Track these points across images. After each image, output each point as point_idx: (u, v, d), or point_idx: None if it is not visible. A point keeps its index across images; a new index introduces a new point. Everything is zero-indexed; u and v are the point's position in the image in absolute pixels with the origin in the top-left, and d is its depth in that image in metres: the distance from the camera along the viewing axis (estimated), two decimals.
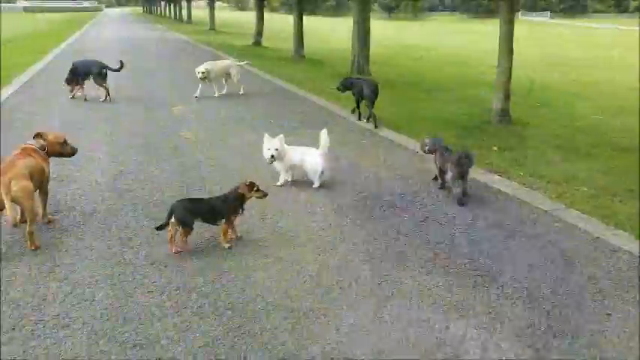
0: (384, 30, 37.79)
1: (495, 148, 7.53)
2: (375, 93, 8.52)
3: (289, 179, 5.58)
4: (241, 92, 10.97)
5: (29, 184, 3.86)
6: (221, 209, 4.10)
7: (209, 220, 4.13)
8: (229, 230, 4.15)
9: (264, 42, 26.08)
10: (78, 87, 9.72)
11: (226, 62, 10.91)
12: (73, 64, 9.76)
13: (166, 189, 5.32)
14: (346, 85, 9.04)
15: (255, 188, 4.21)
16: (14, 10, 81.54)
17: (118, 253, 3.91)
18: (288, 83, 13.21)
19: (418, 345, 3.01)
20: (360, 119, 8.98)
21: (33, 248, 3.88)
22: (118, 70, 10.05)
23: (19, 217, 4.18)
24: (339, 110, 9.88)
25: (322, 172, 5.51)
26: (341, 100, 10.97)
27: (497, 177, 6.18)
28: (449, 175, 5.42)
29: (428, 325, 3.19)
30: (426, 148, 5.86)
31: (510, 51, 9.65)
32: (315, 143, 5.66)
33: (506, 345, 3.04)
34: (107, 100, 9.75)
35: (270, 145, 5.35)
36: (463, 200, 5.23)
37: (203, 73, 10.00)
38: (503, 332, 3.15)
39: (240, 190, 4.15)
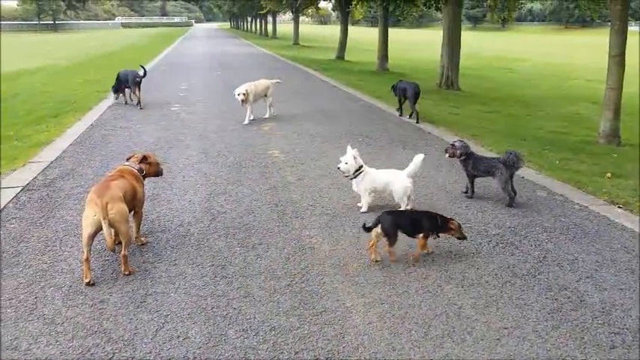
0: (470, 41, 36.55)
1: (609, 175, 6.77)
2: (416, 92, 9.88)
3: (366, 204, 5.23)
4: (270, 114, 10.01)
5: (125, 207, 3.78)
6: (425, 225, 4.19)
7: (408, 232, 4.24)
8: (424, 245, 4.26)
9: (347, 55, 26.01)
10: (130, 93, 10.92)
11: (265, 82, 9.96)
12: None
13: (257, 210, 5.14)
14: (394, 89, 10.44)
15: (461, 229, 4.27)
16: (114, 26, 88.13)
17: (211, 283, 3.72)
18: (373, 99, 12.89)
19: None
20: (401, 115, 10.49)
21: (127, 273, 3.79)
22: (144, 76, 10.73)
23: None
24: (430, 128, 9.40)
25: (409, 197, 5.16)
26: (432, 116, 10.52)
27: (619, 210, 5.48)
28: (498, 179, 5.43)
29: None
30: (458, 152, 5.66)
31: (621, 65, 8.75)
32: (403, 163, 5.30)
33: None
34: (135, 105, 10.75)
35: (344, 158, 5.21)
36: (514, 202, 5.44)
37: (244, 94, 9.11)
38: None
39: (450, 225, 4.22)
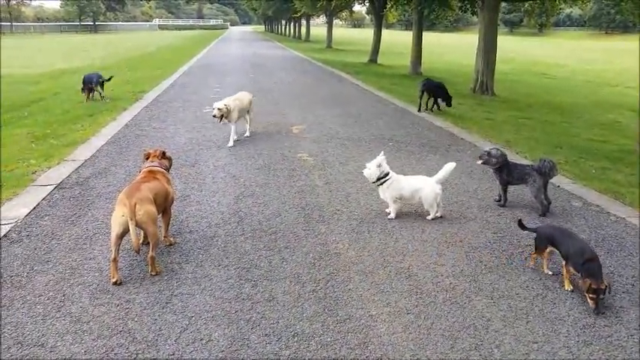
0: (506, 45, 35.90)
1: None
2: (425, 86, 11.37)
3: (394, 211, 5.15)
4: (247, 134, 8.53)
5: (153, 209, 3.82)
6: (570, 255, 3.81)
7: (562, 254, 3.95)
8: (567, 275, 3.90)
9: (380, 59, 25.86)
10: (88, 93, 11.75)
11: (248, 95, 8.59)
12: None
13: (284, 214, 5.13)
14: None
15: (605, 291, 3.55)
16: (152, 28, 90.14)
17: (236, 286, 3.72)
18: (405, 103, 12.76)
19: None
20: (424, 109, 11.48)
21: (153, 273, 3.82)
22: (108, 80, 11.92)
23: (141, 240, 4.20)
24: (464, 134, 9.23)
25: (439, 204, 5.08)
26: (465, 121, 10.35)
27: None
28: (531, 187, 5.33)
29: None
30: (493, 160, 5.48)
31: None
32: (434, 169, 5.23)
33: None
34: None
35: (370, 163, 5.13)
36: (548, 212, 5.33)
37: (219, 109, 7.59)
38: None
39: (585, 280, 3.62)
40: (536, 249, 4.13)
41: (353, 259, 4.23)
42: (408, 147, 8.09)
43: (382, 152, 5.19)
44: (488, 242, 4.60)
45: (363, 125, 9.71)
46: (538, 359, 3.03)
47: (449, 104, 11.51)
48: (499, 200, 5.59)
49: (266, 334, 3.17)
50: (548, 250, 4.04)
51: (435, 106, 11.62)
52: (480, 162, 5.61)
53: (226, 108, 7.70)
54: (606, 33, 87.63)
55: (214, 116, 7.65)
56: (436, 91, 11.52)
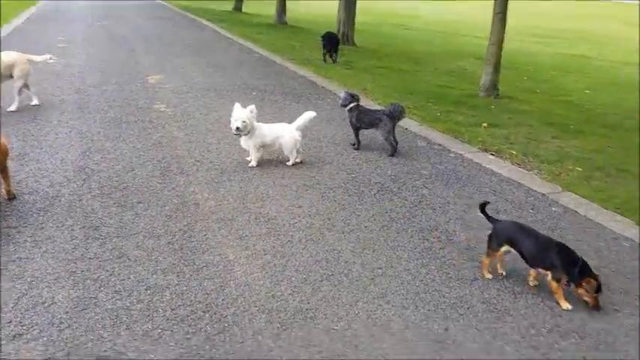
0: None
1: (485, 125, 7.24)
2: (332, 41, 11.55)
3: (255, 160, 5.18)
4: (19, 104, 6.46)
5: None
6: (552, 259, 3.11)
7: (525, 258, 3.27)
8: (558, 291, 3.14)
9: (245, 7, 25.13)
10: None
11: (11, 56, 6.40)
12: None
13: (138, 168, 4.90)
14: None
15: (596, 291, 3.02)
16: None
17: (82, 246, 3.51)
18: (269, 52, 12.64)
19: (418, 348, 2.72)
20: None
21: None
22: None
23: None
24: (325, 83, 9.43)
25: (298, 150, 5.20)
26: (326, 71, 10.56)
27: (491, 156, 5.90)
28: (382, 130, 5.60)
29: (427, 326, 2.91)
30: (340, 102, 5.90)
31: (503, 23, 9.28)
32: (296, 117, 5.36)
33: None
34: None
35: (238, 115, 4.94)
36: (396, 152, 5.67)
37: None
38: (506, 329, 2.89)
39: (584, 282, 3.03)
40: (487, 249, 3.42)
41: (212, 208, 4.20)
42: (271, 96, 8.09)
43: (237, 103, 5.06)
44: (342, 183, 4.84)
45: (226, 75, 9.48)
46: (382, 283, 3.30)
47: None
48: (354, 144, 5.86)
49: (116, 291, 3.06)
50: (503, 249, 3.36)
51: (331, 58, 11.61)
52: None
53: None
54: None
55: None
56: (335, 44, 11.63)
